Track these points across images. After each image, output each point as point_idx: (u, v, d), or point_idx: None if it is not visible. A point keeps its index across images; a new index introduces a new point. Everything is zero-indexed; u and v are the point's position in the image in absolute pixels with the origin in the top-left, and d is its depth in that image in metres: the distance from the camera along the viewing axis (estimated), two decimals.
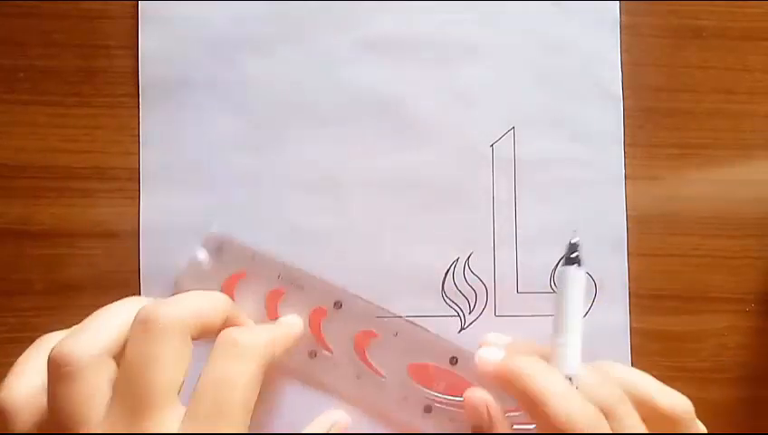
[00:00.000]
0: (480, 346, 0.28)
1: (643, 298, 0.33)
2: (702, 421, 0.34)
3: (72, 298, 0.31)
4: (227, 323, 0.25)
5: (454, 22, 0.33)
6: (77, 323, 0.32)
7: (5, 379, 0.24)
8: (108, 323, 0.24)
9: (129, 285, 0.32)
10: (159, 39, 0.32)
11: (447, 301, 0.32)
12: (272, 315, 0.31)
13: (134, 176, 0.32)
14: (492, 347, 0.27)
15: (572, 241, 0.26)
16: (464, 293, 0.32)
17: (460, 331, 0.32)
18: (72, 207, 0.32)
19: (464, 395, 0.29)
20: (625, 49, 0.34)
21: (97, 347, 0.22)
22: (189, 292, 0.25)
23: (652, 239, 0.34)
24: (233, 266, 0.31)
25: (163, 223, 0.32)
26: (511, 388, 0.24)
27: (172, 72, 0.32)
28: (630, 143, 0.34)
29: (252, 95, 0.32)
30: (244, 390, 0.22)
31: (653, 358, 0.33)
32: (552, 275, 0.33)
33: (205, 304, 0.25)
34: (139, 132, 0.32)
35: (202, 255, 0.31)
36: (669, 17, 0.34)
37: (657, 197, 0.34)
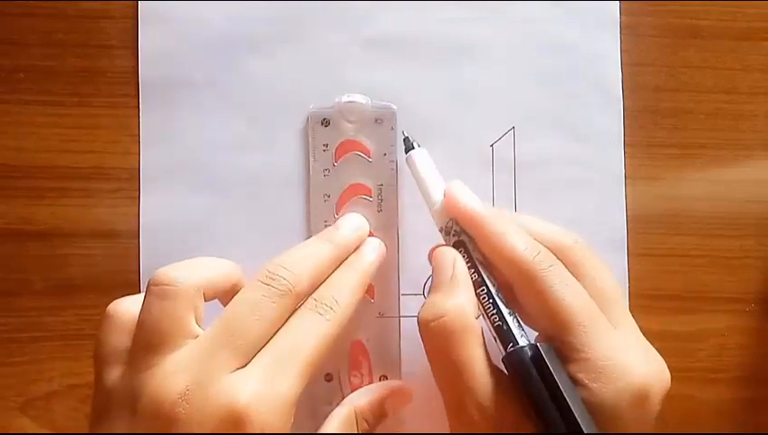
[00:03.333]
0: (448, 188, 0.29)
1: (643, 298, 0.33)
2: (702, 421, 0.34)
3: (72, 298, 0.32)
4: (236, 288, 0.27)
5: (454, 22, 0.33)
6: (77, 323, 0.32)
7: (127, 297, 0.26)
8: (208, 266, 0.27)
9: (129, 285, 0.32)
10: (159, 39, 0.32)
11: None
12: (344, 199, 0.32)
13: (134, 176, 0.32)
14: (462, 187, 0.28)
15: (404, 135, 0.30)
16: None
17: None
18: (73, 207, 0.32)
19: (433, 251, 0.28)
20: (625, 49, 0.34)
21: (194, 279, 0.25)
22: (200, 258, 0.27)
23: (652, 239, 0.34)
24: None
25: (163, 223, 0.32)
26: (472, 224, 0.27)
27: (172, 72, 0.32)
28: (630, 143, 0.34)
29: (252, 95, 0.32)
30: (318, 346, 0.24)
31: None
32: None
33: (214, 270, 0.27)
34: (139, 132, 0.32)
35: None
36: (669, 17, 0.34)
37: (657, 197, 0.34)
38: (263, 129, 0.32)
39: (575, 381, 0.24)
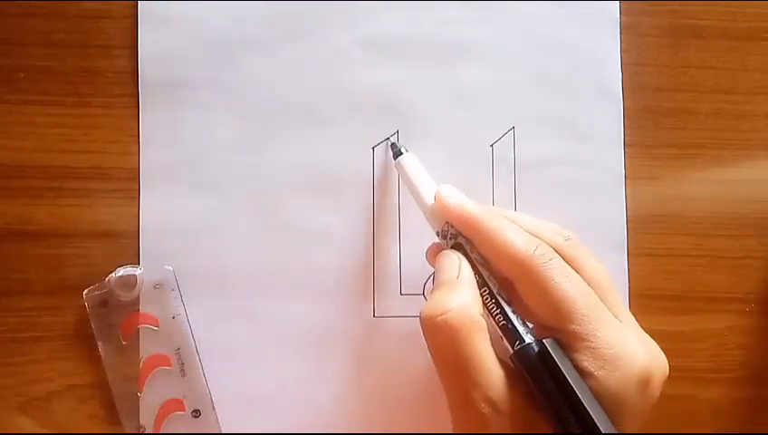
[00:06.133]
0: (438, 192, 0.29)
1: (643, 298, 0.33)
2: (702, 421, 0.34)
3: (72, 298, 0.31)
4: None
5: (454, 22, 0.33)
6: (77, 323, 0.32)
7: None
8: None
9: (128, 285, 0.32)
10: (159, 39, 0.32)
11: None
12: (143, 373, 0.31)
13: (134, 176, 0.32)
14: (452, 190, 0.28)
15: (390, 142, 0.31)
16: None
17: None
18: (72, 207, 0.32)
19: (430, 251, 0.29)
20: (625, 49, 0.34)
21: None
22: None
23: (652, 239, 0.34)
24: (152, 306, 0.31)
25: (163, 223, 0.32)
26: (467, 225, 0.27)
27: (172, 72, 0.32)
28: (630, 143, 0.34)
29: (252, 95, 0.32)
30: None
31: None
32: None
33: None
34: (139, 132, 0.32)
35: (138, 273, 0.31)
36: (669, 17, 0.34)
37: (657, 197, 0.34)
38: (263, 129, 0.32)
39: (581, 371, 0.24)
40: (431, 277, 0.32)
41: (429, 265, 0.29)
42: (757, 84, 0.34)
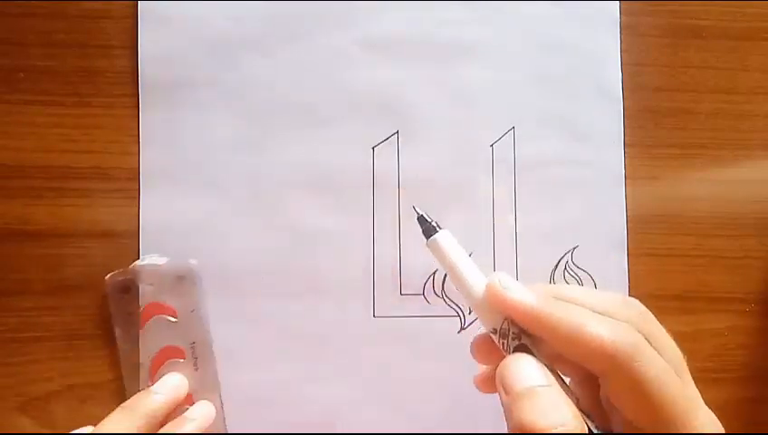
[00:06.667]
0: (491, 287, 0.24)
1: (643, 298, 0.33)
2: None
3: (72, 298, 0.31)
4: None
5: (454, 22, 0.33)
6: (76, 323, 0.32)
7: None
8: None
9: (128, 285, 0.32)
10: (159, 39, 0.32)
11: (447, 301, 0.32)
12: (156, 363, 0.31)
13: (134, 176, 0.32)
14: (508, 280, 0.24)
15: (418, 214, 0.25)
16: None
17: (460, 331, 0.32)
18: (72, 207, 0.32)
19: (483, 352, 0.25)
20: (625, 49, 0.34)
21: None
22: None
23: (652, 239, 0.34)
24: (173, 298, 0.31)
25: (163, 223, 0.32)
26: (536, 323, 0.23)
27: (172, 72, 0.32)
28: (630, 143, 0.34)
29: (252, 95, 0.32)
30: None
31: None
32: (553, 274, 0.33)
33: None
34: (139, 132, 0.32)
35: (162, 261, 0.31)
36: (669, 17, 0.34)
37: (657, 197, 0.34)
38: (263, 129, 0.32)
39: None
40: (431, 277, 0.32)
41: (479, 390, 0.26)
42: (757, 84, 0.34)
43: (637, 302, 0.25)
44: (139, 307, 0.31)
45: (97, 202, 0.32)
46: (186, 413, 0.29)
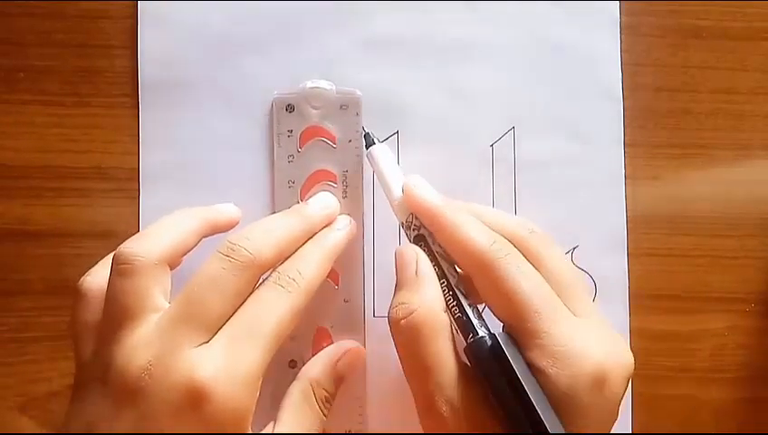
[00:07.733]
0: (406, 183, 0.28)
1: (643, 298, 0.33)
2: (702, 421, 0.34)
3: (72, 298, 0.31)
4: (211, 232, 0.28)
5: (454, 22, 0.33)
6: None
7: (95, 267, 0.27)
8: (170, 232, 0.26)
9: None
10: (159, 39, 0.32)
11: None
12: (309, 183, 0.32)
13: (133, 176, 0.32)
14: (419, 181, 0.28)
15: (364, 132, 0.30)
16: None
17: None
18: (72, 207, 0.32)
19: (395, 250, 0.28)
20: (625, 49, 0.34)
21: (155, 253, 0.25)
22: (171, 218, 0.27)
23: (652, 239, 0.34)
24: None
25: None
26: (429, 218, 0.27)
27: (171, 71, 0.32)
28: (630, 143, 0.34)
29: (252, 95, 0.32)
30: (281, 320, 0.25)
31: (653, 358, 0.33)
32: None
33: (176, 235, 0.26)
34: (139, 132, 0.32)
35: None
36: (669, 17, 0.34)
37: (657, 197, 0.34)
38: (262, 129, 0.32)
39: (534, 368, 0.24)
40: None
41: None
42: (757, 84, 0.34)
43: (533, 225, 0.28)
44: (300, 127, 0.31)
45: (97, 202, 0.32)
46: (332, 225, 0.30)
